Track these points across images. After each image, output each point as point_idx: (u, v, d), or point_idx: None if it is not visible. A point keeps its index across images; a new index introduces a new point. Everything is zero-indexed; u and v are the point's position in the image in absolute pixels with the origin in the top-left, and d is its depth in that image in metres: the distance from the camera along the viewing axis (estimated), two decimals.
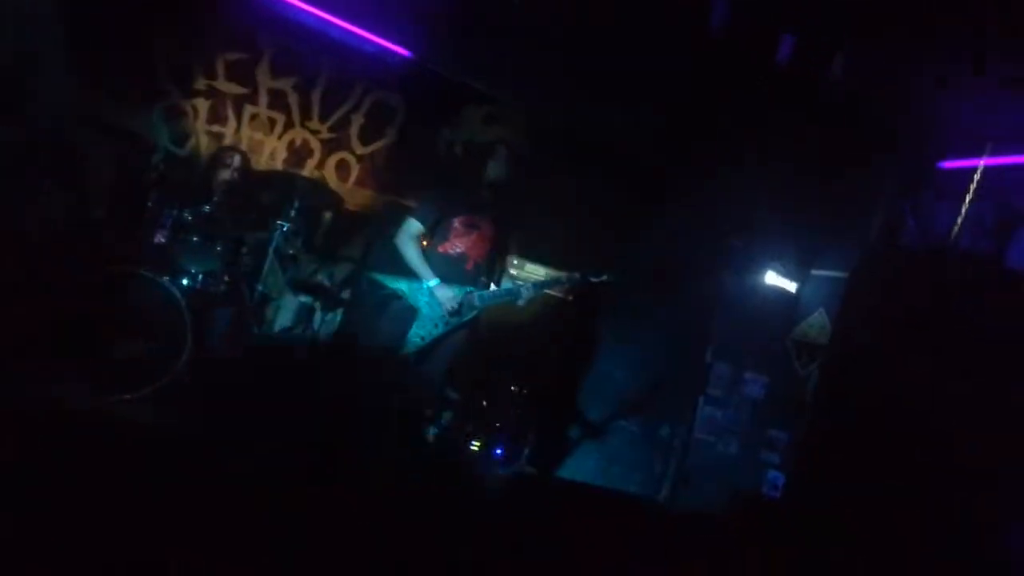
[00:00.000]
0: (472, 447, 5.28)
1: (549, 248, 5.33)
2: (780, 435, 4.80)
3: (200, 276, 4.36)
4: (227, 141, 5.43)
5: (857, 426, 2.93)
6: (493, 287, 3.92)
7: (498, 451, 5.31)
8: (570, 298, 5.23)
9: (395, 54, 5.71)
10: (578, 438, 5.50)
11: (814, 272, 5.09)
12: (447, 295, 3.76)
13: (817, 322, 4.86)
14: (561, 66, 5.32)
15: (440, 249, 3.88)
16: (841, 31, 3.43)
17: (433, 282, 3.75)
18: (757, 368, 5.13)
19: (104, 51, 4.95)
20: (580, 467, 5.42)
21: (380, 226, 5.30)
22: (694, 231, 4.51)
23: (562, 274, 4.07)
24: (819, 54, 3.37)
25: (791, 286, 5.29)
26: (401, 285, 3.81)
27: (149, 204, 4.23)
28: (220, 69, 5.41)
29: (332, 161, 5.76)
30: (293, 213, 4.72)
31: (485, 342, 4.83)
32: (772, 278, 5.30)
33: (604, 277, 4.09)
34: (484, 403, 5.35)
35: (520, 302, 3.95)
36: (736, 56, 3.77)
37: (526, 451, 5.31)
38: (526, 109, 5.98)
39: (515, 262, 5.20)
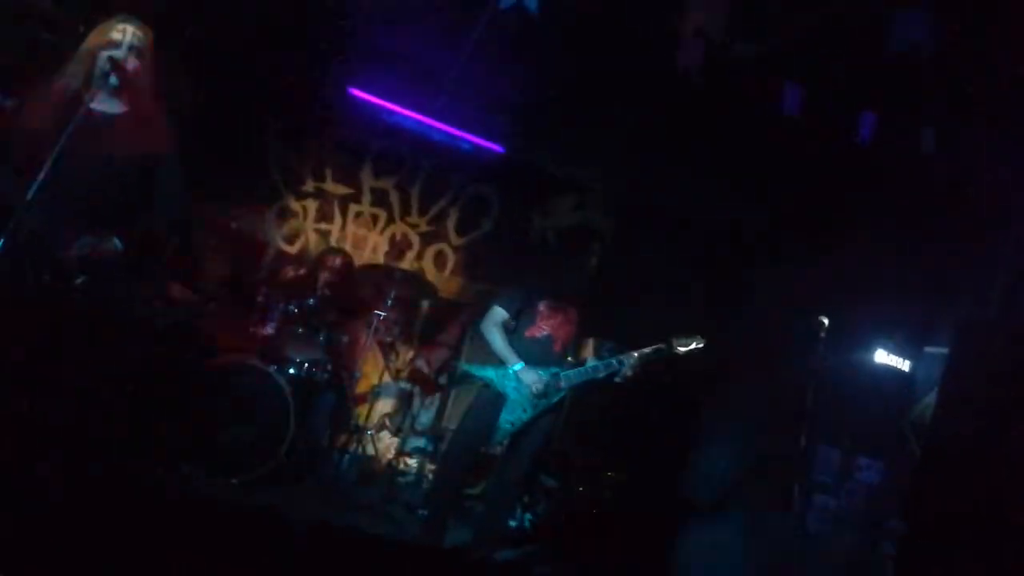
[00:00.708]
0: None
1: (638, 329, 5.30)
2: (902, 525, 4.43)
3: (305, 365, 4.59)
4: (333, 238, 5.80)
5: (960, 518, 2.67)
6: (580, 368, 3.91)
7: None
8: (666, 376, 5.16)
9: (489, 150, 6.01)
10: (680, 525, 5.26)
11: (928, 350, 4.80)
12: (532, 378, 3.78)
13: (935, 403, 4.54)
14: (647, 150, 5.41)
15: (527, 333, 3.93)
16: (924, 107, 3.35)
17: (518, 366, 3.79)
18: (872, 452, 4.81)
19: (223, 156, 5.52)
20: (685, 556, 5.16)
21: (475, 313, 5.45)
22: (787, 308, 4.37)
23: (649, 348, 4.01)
24: (904, 130, 3.29)
25: (904, 364, 5.00)
26: (488, 373, 3.87)
27: (259, 299, 4.54)
28: (328, 172, 5.85)
29: (430, 252, 6.03)
30: (391, 303, 4.93)
31: (577, 425, 4.81)
32: (883, 356, 5.04)
33: (694, 345, 4.01)
34: (580, 488, 5.25)
35: (613, 377, 3.93)
36: (815, 136, 3.73)
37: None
38: (613, 194, 6.12)
39: (608, 346, 5.20)
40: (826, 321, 3.47)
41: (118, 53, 2.80)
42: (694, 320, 5.30)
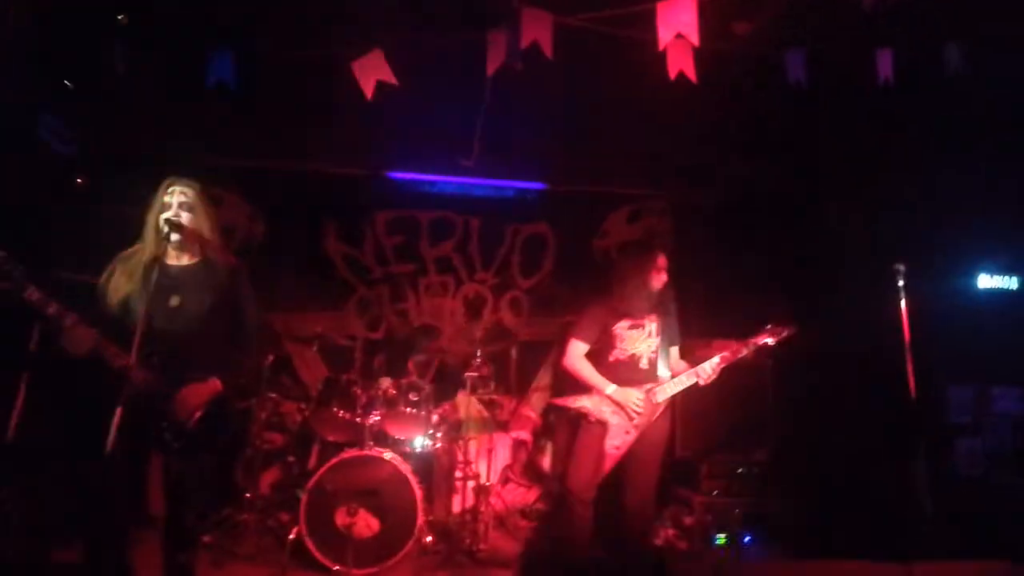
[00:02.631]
0: (717, 542, 5.08)
1: (729, 320, 5.24)
2: None
3: (416, 441, 4.75)
4: (412, 316, 6.01)
5: None
6: (672, 380, 3.90)
7: (747, 539, 5.06)
8: (768, 361, 5.07)
9: (532, 190, 6.14)
10: (824, 504, 5.10)
11: None
12: (629, 398, 3.80)
13: None
14: (685, 144, 5.40)
15: (611, 358, 3.95)
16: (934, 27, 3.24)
17: (610, 389, 3.82)
18: (1004, 380, 4.57)
19: (294, 269, 5.90)
20: (835, 535, 4.99)
21: (562, 349, 5.52)
22: (862, 261, 4.24)
23: (742, 344, 3.96)
24: (924, 54, 3.18)
25: (1012, 282, 4.77)
26: (584, 403, 3.91)
27: (357, 391, 4.74)
28: (390, 255, 6.10)
29: (504, 302, 6.17)
30: (478, 362, 5.05)
31: (689, 432, 4.77)
32: (986, 280, 4.83)
33: (785, 333, 3.93)
34: (715, 492, 5.17)
35: (702, 381, 3.89)
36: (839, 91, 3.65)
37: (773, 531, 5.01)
38: (666, 195, 6.12)
39: (700, 344, 5.16)
40: (902, 267, 3.37)
41: (171, 213, 3.07)
42: (778, 300, 5.24)
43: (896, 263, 3.36)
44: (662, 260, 4.02)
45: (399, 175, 5.97)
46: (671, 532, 5.22)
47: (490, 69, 3.22)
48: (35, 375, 4.00)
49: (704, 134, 5.18)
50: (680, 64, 2.82)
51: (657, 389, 3.86)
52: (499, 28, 3.13)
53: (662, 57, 2.95)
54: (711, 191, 5.87)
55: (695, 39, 2.79)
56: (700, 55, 2.86)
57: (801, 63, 3.03)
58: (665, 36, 2.76)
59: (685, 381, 3.88)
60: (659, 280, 3.98)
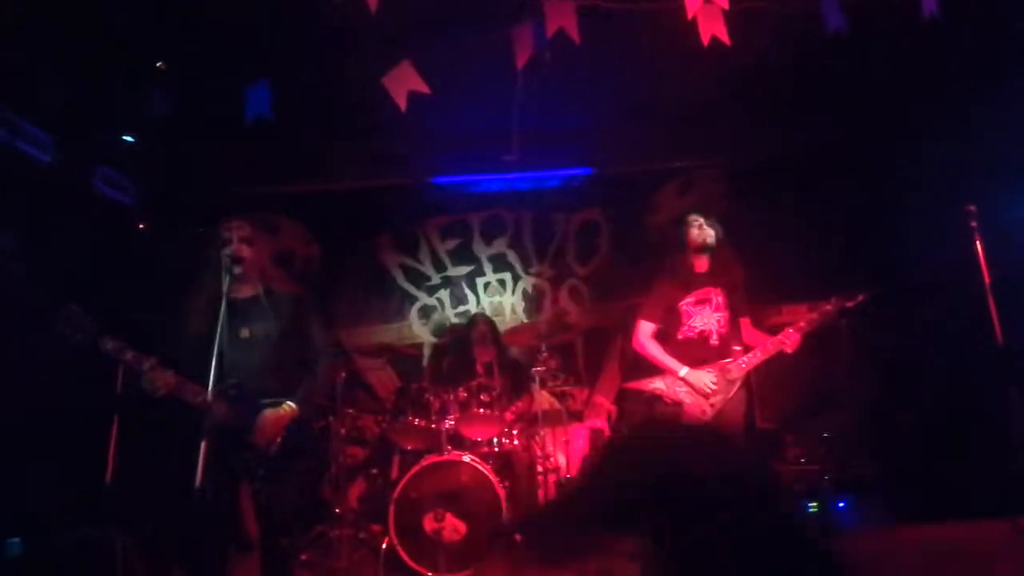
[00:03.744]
0: (810, 510, 4.95)
1: (796, 284, 5.10)
2: None
3: (494, 442, 4.77)
4: (473, 315, 6.02)
5: None
6: (745, 355, 3.81)
7: (840, 504, 4.92)
8: (842, 322, 4.91)
9: (578, 175, 6.08)
10: (918, 463, 4.91)
11: None
12: (702, 379, 3.73)
13: None
14: (725, 110, 5.26)
15: (680, 336, 3.89)
16: None
17: (683, 371, 3.76)
18: None
19: (355, 286, 6.00)
20: (939, 497, 4.80)
21: (628, 332, 5.46)
22: (929, 207, 4.03)
23: (816, 309, 3.84)
24: None
25: None
26: (657, 384, 3.86)
27: (430, 397, 4.79)
28: (445, 260, 6.14)
29: (563, 292, 6.13)
30: (544, 355, 5.04)
31: (767, 402, 4.65)
32: None
33: (860, 297, 3.79)
34: (801, 460, 5.05)
35: (788, 349, 3.78)
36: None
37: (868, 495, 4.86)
38: (716, 162, 5.97)
39: (770, 312, 5.03)
40: (973, 208, 3.20)
41: (231, 249, 3.16)
42: (847, 257, 5.06)
43: (966, 204, 3.20)
44: (692, 217, 3.96)
45: (445, 180, 6.00)
46: None
47: (520, 63, 3.20)
48: (124, 417, 4.17)
49: (746, 96, 5.04)
50: (712, 28, 2.74)
51: (731, 365, 3.78)
52: (523, 21, 3.10)
53: (694, 24, 2.88)
54: (761, 153, 5.70)
55: (724, 2, 2.72)
56: (732, 16, 2.77)
57: (837, 9, 2.90)
58: (693, 3, 2.69)
59: (760, 354, 3.78)
60: (699, 237, 3.90)
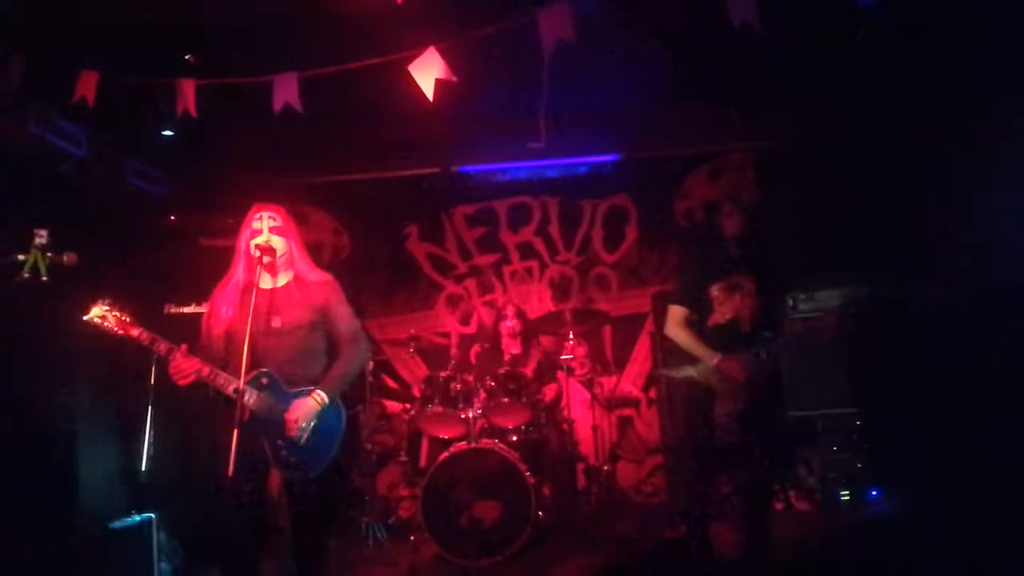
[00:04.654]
0: (843, 498, 4.89)
1: (828, 270, 5.02)
2: None
3: (522, 429, 4.77)
4: (500, 304, 6.01)
5: None
6: (777, 340, 3.75)
7: (873, 492, 4.85)
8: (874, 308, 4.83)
9: (605, 163, 6.03)
10: (962, 447, 4.81)
11: None
12: (734, 366, 3.68)
13: None
14: (748, 94, 5.17)
15: (711, 323, 3.84)
16: None
17: (715, 360, 3.72)
18: None
19: (384, 275, 6.05)
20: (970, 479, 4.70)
21: (657, 319, 5.42)
22: (963, 192, 3.91)
23: (849, 297, 3.78)
24: None
25: None
26: (689, 371, 3.82)
27: (458, 386, 4.80)
28: (472, 248, 6.14)
29: (592, 279, 6.10)
30: (572, 343, 5.02)
31: (799, 390, 4.59)
32: None
33: (889, 283, 3.72)
34: (834, 448, 4.98)
35: (815, 338, 3.73)
36: None
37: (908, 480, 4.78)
38: (747, 148, 5.89)
39: (802, 298, 4.96)
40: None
41: (262, 238, 3.18)
42: (884, 242, 4.95)
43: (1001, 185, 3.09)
44: (727, 205, 3.90)
45: (472, 168, 5.99)
46: (792, 493, 5.07)
47: (546, 47, 3.17)
48: (158, 408, 4.23)
49: (776, 78, 4.94)
50: (742, 12, 2.69)
51: (763, 352, 3.73)
52: (548, 5, 3.07)
53: (724, 6, 2.83)
54: (791, 138, 5.60)
55: None
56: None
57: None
58: None
59: (794, 341, 3.73)
60: (732, 225, 3.85)
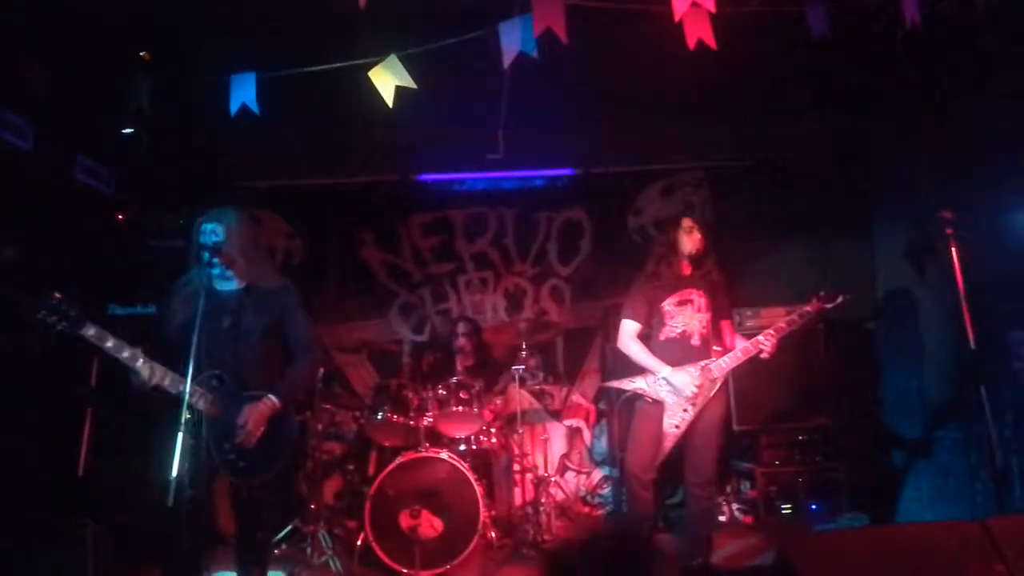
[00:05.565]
0: (784, 512, 5.02)
1: (776, 288, 5.18)
2: None
3: (472, 440, 4.78)
4: (454, 314, 6.04)
5: None
6: (727, 355, 3.84)
7: (812, 507, 4.99)
8: (819, 325, 4.98)
9: (562, 176, 6.11)
10: (903, 464, 4.99)
11: None
12: (683, 379, 3.76)
13: None
14: (710, 110, 5.30)
15: (662, 337, 3.91)
16: None
17: (665, 371, 3.78)
18: None
19: (337, 281, 6.00)
20: (915, 494, 4.88)
21: (608, 332, 5.50)
22: (903, 214, 4.08)
23: (793, 313, 3.89)
24: None
25: None
26: (639, 384, 3.89)
27: (408, 394, 4.78)
28: (427, 257, 6.13)
29: (545, 291, 6.15)
30: (525, 353, 5.05)
31: (748, 400, 4.71)
32: None
33: (839, 299, 3.84)
34: (776, 463, 5.12)
35: (764, 354, 3.83)
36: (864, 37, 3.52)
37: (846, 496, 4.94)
38: (700, 165, 6.04)
39: (749, 314, 5.09)
40: (949, 215, 3.24)
41: (214, 240, 3.14)
42: (829, 259, 5.12)
43: (941, 211, 3.24)
44: (687, 222, 3.99)
45: (429, 177, 6.00)
46: (735, 507, 5.18)
47: (506, 61, 3.20)
48: (98, 409, 4.12)
49: (732, 100, 5.08)
50: (698, 32, 2.77)
51: (712, 365, 3.81)
52: (511, 19, 3.10)
53: (680, 27, 2.90)
54: (744, 156, 5.77)
55: (711, 5, 2.74)
56: (718, 21, 2.80)
57: (823, 15, 2.94)
58: (680, 6, 2.71)
59: (741, 355, 3.82)
60: (690, 243, 3.93)
